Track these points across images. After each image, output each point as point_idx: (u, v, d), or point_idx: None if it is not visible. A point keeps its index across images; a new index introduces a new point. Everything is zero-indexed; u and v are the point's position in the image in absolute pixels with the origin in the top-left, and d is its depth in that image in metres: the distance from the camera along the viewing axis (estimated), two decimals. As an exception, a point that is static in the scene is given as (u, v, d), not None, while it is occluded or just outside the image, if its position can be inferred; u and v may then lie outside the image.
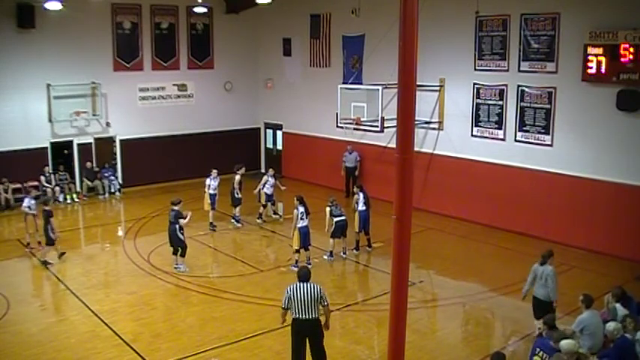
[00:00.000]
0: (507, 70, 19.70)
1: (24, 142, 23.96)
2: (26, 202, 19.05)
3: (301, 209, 16.77)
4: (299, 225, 16.62)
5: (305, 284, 10.56)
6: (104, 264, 18.08)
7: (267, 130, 30.27)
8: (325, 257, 17.57)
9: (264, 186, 21.33)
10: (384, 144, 22.34)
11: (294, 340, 10.75)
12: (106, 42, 25.65)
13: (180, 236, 16.82)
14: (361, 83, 23.31)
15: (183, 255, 16.98)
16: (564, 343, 9.95)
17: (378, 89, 19.87)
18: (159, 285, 16.00)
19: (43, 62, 23.99)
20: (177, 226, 16.71)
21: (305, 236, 16.70)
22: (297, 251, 16.79)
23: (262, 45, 29.37)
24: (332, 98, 22.49)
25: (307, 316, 10.49)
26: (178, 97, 27.92)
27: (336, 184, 24.86)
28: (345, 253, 18.00)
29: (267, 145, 30.39)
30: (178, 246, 16.93)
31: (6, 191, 23.52)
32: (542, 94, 18.92)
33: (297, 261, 16.81)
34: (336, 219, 17.62)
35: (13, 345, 12.71)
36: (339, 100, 21.46)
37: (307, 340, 10.72)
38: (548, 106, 18.83)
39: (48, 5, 22.38)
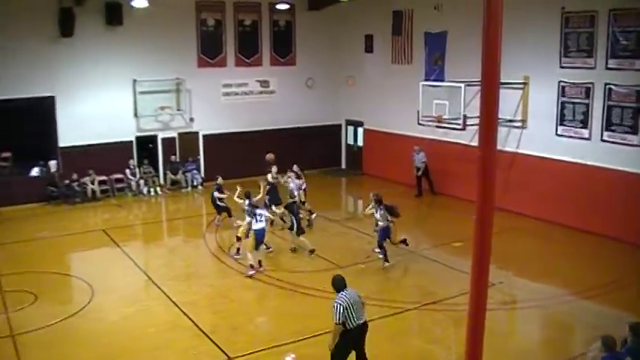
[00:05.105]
0: (594, 68, 19.12)
1: (110, 136, 24.67)
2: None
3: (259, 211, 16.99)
4: (254, 227, 16.42)
5: (349, 291, 10.37)
6: (186, 256, 18.43)
7: (348, 127, 30.29)
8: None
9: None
10: (466, 142, 22.03)
11: (344, 350, 10.42)
12: (190, 39, 26.15)
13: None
14: (443, 80, 23.03)
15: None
16: None
17: (461, 86, 19.63)
18: (238, 279, 16.19)
19: (129, 58, 24.66)
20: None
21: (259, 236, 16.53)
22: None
23: (344, 42, 29.35)
24: (413, 95, 22.33)
25: (362, 320, 10.38)
26: (261, 93, 28.23)
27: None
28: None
29: (348, 142, 30.43)
30: None
31: (92, 183, 24.26)
32: (630, 92, 18.30)
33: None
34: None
35: (95, 332, 13.11)
36: (420, 97, 21.29)
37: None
38: (636, 105, 18.20)
39: (135, 3, 23.05)
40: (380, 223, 16.74)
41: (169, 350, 12.28)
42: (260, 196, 18.59)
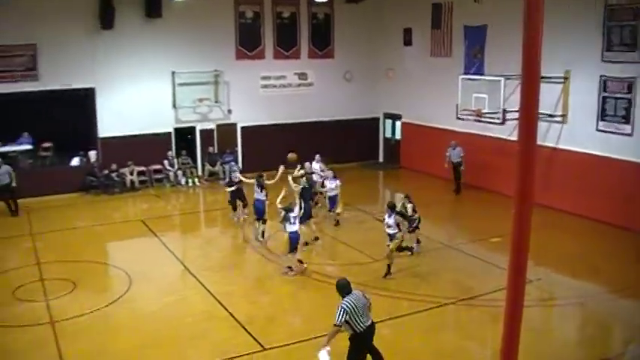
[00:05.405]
0: (638, 62, 18.71)
1: (149, 127, 24.92)
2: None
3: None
4: (287, 230, 15.76)
5: (354, 294, 10.16)
6: (223, 247, 18.55)
7: (386, 120, 30.17)
8: None
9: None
10: (505, 136, 21.77)
11: (357, 354, 10.27)
12: (228, 31, 26.29)
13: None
14: (483, 74, 22.82)
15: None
16: None
17: (500, 80, 19.43)
18: (274, 270, 16.26)
19: (168, 50, 24.88)
20: None
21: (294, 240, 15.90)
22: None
23: (382, 35, 29.21)
24: (452, 89, 22.15)
25: (370, 321, 10.22)
26: (299, 85, 28.28)
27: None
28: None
29: (386, 135, 30.31)
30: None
31: (131, 173, 24.53)
32: (674, 87, 17.92)
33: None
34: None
35: (132, 321, 13.27)
36: (459, 90, 21.13)
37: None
38: (681, 101, 17.83)
39: (174, -5, 23.21)
40: (389, 230, 15.87)
41: (206, 340, 12.37)
42: (273, 181, 18.49)
